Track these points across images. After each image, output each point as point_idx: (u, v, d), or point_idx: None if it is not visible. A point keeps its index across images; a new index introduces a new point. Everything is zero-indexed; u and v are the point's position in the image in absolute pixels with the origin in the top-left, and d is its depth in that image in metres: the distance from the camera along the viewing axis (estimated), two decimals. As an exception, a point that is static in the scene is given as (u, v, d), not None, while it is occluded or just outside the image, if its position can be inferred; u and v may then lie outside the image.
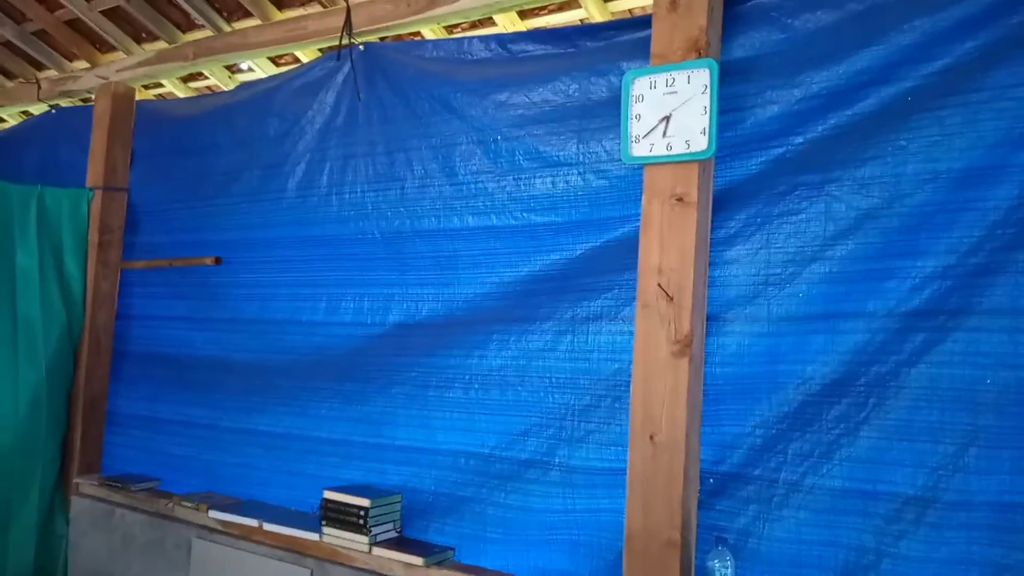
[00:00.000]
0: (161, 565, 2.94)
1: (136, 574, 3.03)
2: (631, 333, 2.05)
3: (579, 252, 2.24)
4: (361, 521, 2.38)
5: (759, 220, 2.00)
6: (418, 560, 2.28)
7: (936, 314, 1.79)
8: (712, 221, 2.02)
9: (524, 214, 2.36)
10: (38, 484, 3.25)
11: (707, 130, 1.91)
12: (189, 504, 2.86)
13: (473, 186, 2.48)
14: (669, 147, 1.96)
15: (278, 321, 2.90)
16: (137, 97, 3.58)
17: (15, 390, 3.18)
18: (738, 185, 2.03)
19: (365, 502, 2.37)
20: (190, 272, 3.19)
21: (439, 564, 2.29)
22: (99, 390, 3.40)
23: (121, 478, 3.20)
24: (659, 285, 1.97)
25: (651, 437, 1.96)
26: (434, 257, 2.54)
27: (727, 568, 1.92)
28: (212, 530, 2.79)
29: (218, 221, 3.13)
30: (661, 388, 1.96)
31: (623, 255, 2.11)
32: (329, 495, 2.46)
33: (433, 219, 2.55)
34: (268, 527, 2.60)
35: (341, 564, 2.45)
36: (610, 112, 2.18)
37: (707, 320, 2.02)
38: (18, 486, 3.19)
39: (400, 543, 2.40)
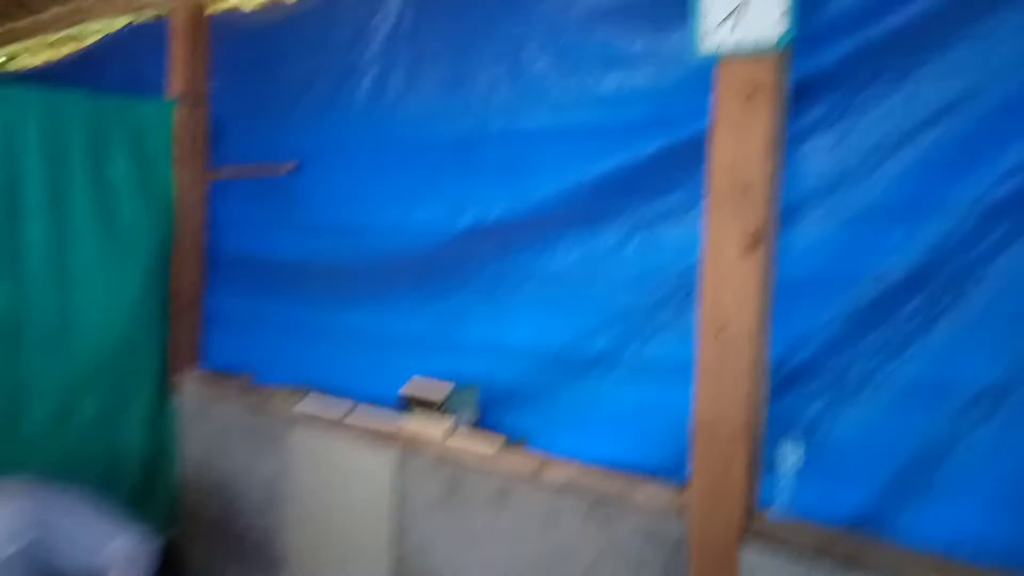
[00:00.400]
0: (259, 451, 3.21)
1: (238, 460, 3.33)
2: (701, 229, 2.06)
3: (649, 150, 2.24)
4: (440, 410, 2.53)
5: (838, 111, 1.95)
6: (493, 446, 2.43)
7: (1021, 206, 1.74)
8: (788, 113, 1.98)
9: (593, 112, 2.36)
10: (146, 380, 3.56)
11: (783, 18, 1.85)
12: (284, 394, 3.08)
13: (541, 85, 2.48)
14: (743, 38, 1.91)
15: (356, 225, 3.02)
16: (211, 10, 3.65)
17: (119, 295, 3.44)
18: (816, 75, 1.97)
19: (443, 392, 2.52)
20: (270, 178, 3.33)
21: (513, 450, 2.43)
22: (194, 292, 3.64)
23: (219, 372, 3.47)
24: (730, 180, 1.96)
25: (720, 331, 2.00)
26: (504, 159, 2.58)
27: (796, 457, 1.99)
28: (304, 418, 3.02)
29: (295, 129, 3.23)
30: (731, 283, 1.98)
31: (694, 151, 2.10)
32: (410, 386, 2.62)
33: (502, 120, 2.58)
34: (355, 415, 2.80)
35: (422, 449, 2.63)
36: (683, 3, 2.12)
37: (780, 215, 2.01)
38: (129, 382, 3.51)
39: (476, 430, 2.55)
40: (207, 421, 3.48)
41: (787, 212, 2.01)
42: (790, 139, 1.99)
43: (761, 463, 2.02)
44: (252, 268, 3.47)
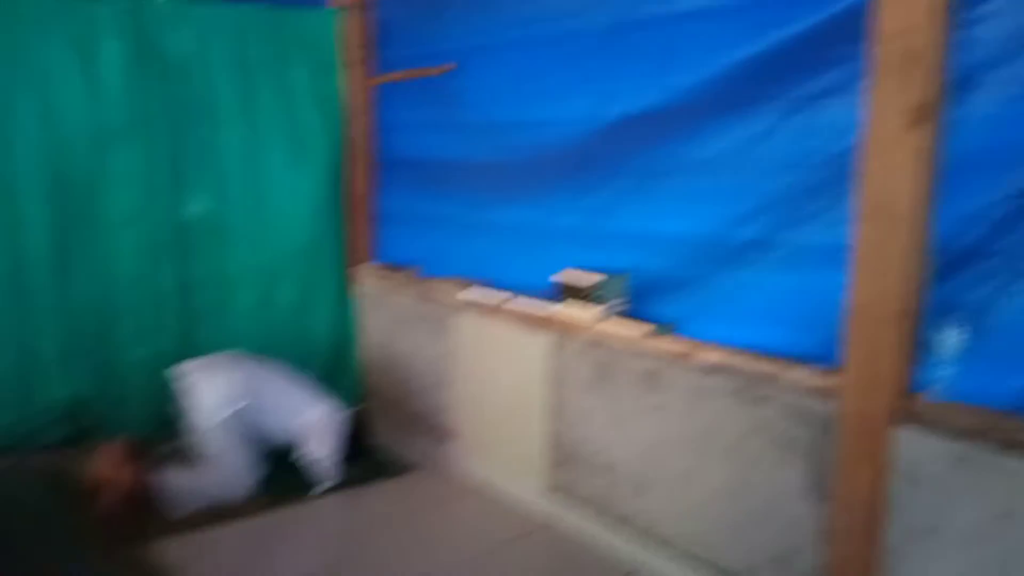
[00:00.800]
0: (430, 335, 3.52)
1: (410, 343, 3.67)
2: (861, 107, 1.98)
3: (804, 26, 2.14)
4: (593, 296, 2.66)
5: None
6: (643, 330, 2.53)
7: None
8: (962, -28, 1.83)
9: (746, -10, 2.28)
10: (330, 273, 3.96)
11: None
12: (449, 284, 3.34)
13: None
14: None
15: (510, 121, 3.13)
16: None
17: (304, 192, 3.82)
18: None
19: (595, 280, 2.64)
20: (432, 80, 3.49)
21: (663, 334, 2.52)
22: (366, 193, 3.95)
23: (391, 266, 3.80)
24: (896, 50, 1.86)
25: (880, 212, 1.94)
26: (652, 45, 2.55)
27: (957, 341, 1.93)
28: (467, 306, 3.26)
29: (453, 30, 3.35)
30: (894, 161, 1.91)
31: (852, 24, 1.99)
32: (564, 274, 2.76)
33: (652, 6, 2.54)
34: (513, 302, 2.99)
35: (576, 334, 2.78)
36: None
37: (950, 86, 1.88)
38: (315, 273, 3.92)
39: (626, 317, 2.66)
40: (383, 309, 3.85)
41: (957, 83, 1.88)
42: (962, 3, 1.84)
43: (918, 346, 1.98)
44: (417, 168, 3.71)
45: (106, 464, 2.90)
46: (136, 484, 2.86)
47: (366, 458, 3.46)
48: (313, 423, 3.22)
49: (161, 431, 3.45)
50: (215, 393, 3.05)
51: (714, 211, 2.47)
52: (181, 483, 2.93)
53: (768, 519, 2.28)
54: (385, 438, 3.71)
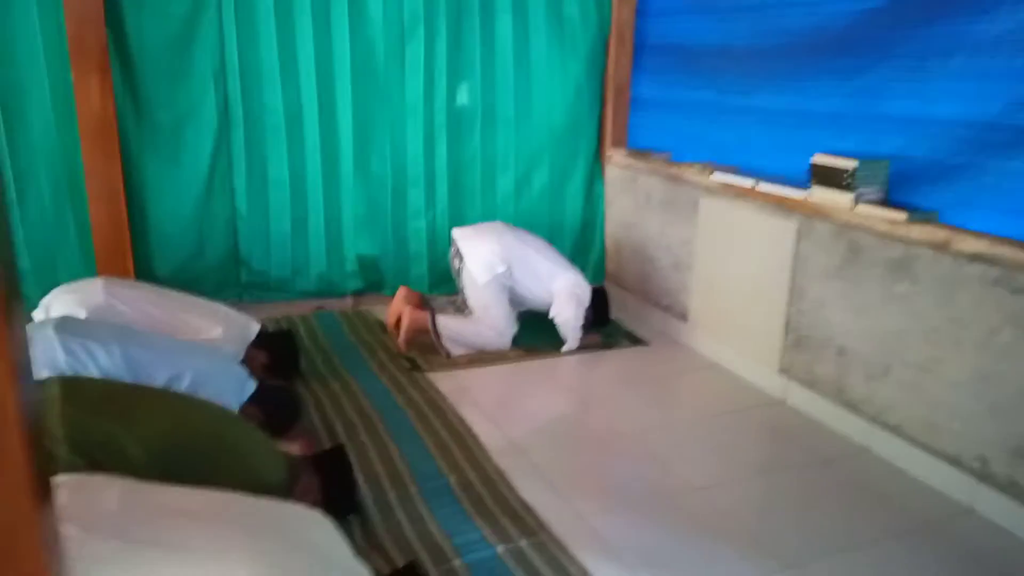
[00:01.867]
0: (674, 218, 3.69)
1: (655, 224, 3.86)
2: None
3: None
4: (847, 181, 2.65)
5: None
6: (901, 216, 2.50)
7: None
8: None
9: None
10: (583, 155, 4.24)
11: None
12: (697, 169, 3.46)
13: None
14: None
15: (774, 4, 3.09)
16: None
17: (564, 79, 4.08)
18: None
19: (852, 164, 2.62)
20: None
21: (922, 222, 2.47)
22: (624, 78, 4.12)
23: (643, 150, 3.97)
24: None
25: None
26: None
27: None
28: (714, 190, 3.37)
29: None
30: None
31: None
32: (818, 158, 2.76)
33: None
34: (762, 187, 3.05)
35: (824, 219, 2.80)
36: None
37: None
38: (570, 156, 4.22)
39: (884, 203, 2.62)
40: (630, 193, 4.06)
41: None
42: None
43: None
44: (675, 54, 3.79)
45: (402, 308, 3.50)
46: (423, 327, 3.42)
47: (606, 328, 3.78)
48: (562, 289, 3.57)
49: (437, 288, 4.04)
50: (480, 258, 3.49)
51: (997, 94, 2.33)
52: (456, 330, 3.45)
53: (1015, 411, 2.24)
54: (624, 314, 4.00)
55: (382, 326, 3.71)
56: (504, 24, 3.94)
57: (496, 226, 3.70)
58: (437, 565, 2.00)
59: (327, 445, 2.53)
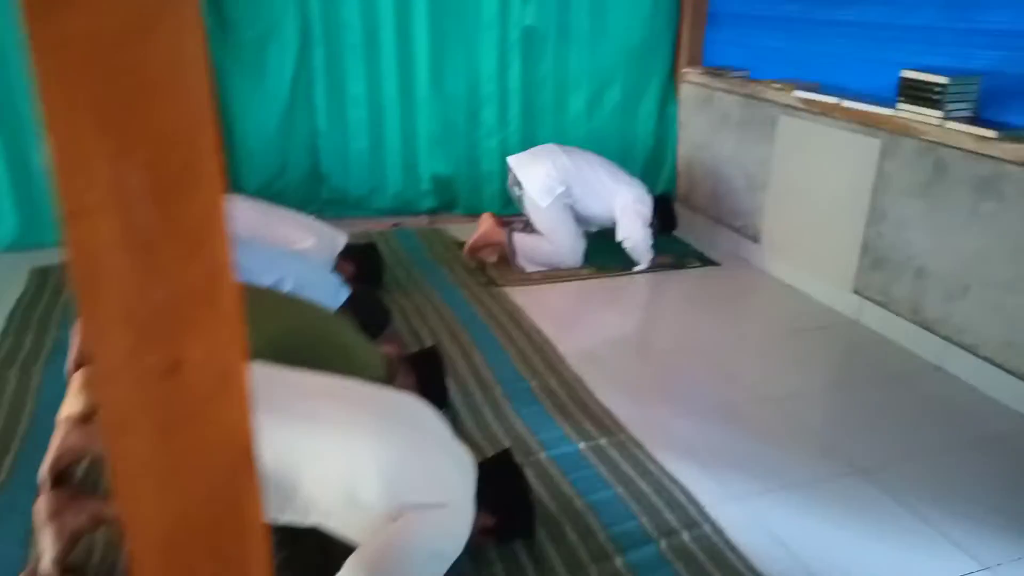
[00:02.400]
0: (750, 137, 3.66)
1: (730, 144, 3.84)
2: None
3: None
4: (936, 97, 2.60)
5: None
6: (991, 133, 2.45)
7: None
8: None
9: None
10: (657, 73, 4.20)
11: None
12: (777, 87, 3.41)
13: None
14: None
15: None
16: None
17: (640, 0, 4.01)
18: None
19: (942, 79, 2.57)
20: None
21: (1013, 140, 2.42)
22: (702, -7, 4.04)
23: (719, 68, 3.91)
24: None
25: None
26: None
27: None
28: (795, 108, 3.32)
29: None
30: None
31: None
32: (907, 73, 2.71)
33: None
34: (846, 103, 3.00)
35: (911, 136, 2.76)
36: None
37: None
38: (644, 75, 4.19)
39: (974, 121, 2.57)
40: (705, 112, 4.03)
41: None
42: None
43: None
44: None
45: (481, 226, 3.59)
46: (497, 240, 3.53)
47: (674, 246, 3.82)
48: (625, 207, 3.60)
49: (508, 208, 4.13)
50: (538, 182, 3.52)
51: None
52: (530, 247, 3.54)
53: (1100, 331, 2.24)
54: (694, 235, 4.03)
55: (459, 244, 3.82)
56: (580, -63, 3.88)
57: (550, 148, 3.72)
58: (524, 457, 2.15)
59: (413, 346, 2.69)
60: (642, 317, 3.30)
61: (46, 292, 3.15)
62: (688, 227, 4.04)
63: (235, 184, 3.78)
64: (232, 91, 3.69)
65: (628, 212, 3.58)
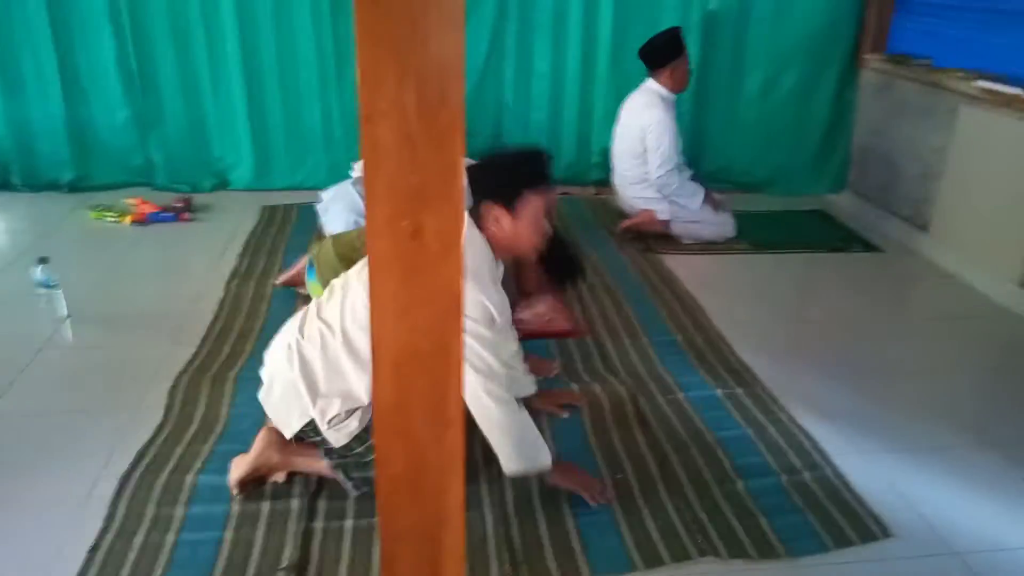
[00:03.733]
0: (928, 126, 3.62)
1: (906, 132, 3.81)
2: None
3: None
4: None
5: None
6: None
7: None
8: None
9: None
10: (837, 58, 4.21)
11: None
12: (959, 75, 3.36)
13: None
14: None
15: None
16: None
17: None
18: None
19: None
20: None
21: None
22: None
23: (901, 56, 3.88)
24: None
25: None
26: None
27: None
28: (977, 99, 3.27)
29: None
30: None
31: None
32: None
33: None
34: (1031, 94, 2.95)
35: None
36: None
37: None
38: (823, 59, 4.21)
39: None
40: (883, 98, 4.00)
41: None
42: None
43: None
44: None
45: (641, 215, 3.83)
46: (652, 218, 3.75)
47: (838, 232, 3.86)
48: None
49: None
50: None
51: None
52: (684, 218, 3.73)
53: None
54: (861, 221, 4.03)
55: (621, 214, 4.07)
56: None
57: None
58: (663, 395, 2.41)
59: (573, 296, 3.02)
60: (793, 292, 3.40)
61: (274, 225, 3.78)
62: (855, 215, 4.05)
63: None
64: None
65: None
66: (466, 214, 1.84)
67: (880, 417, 2.35)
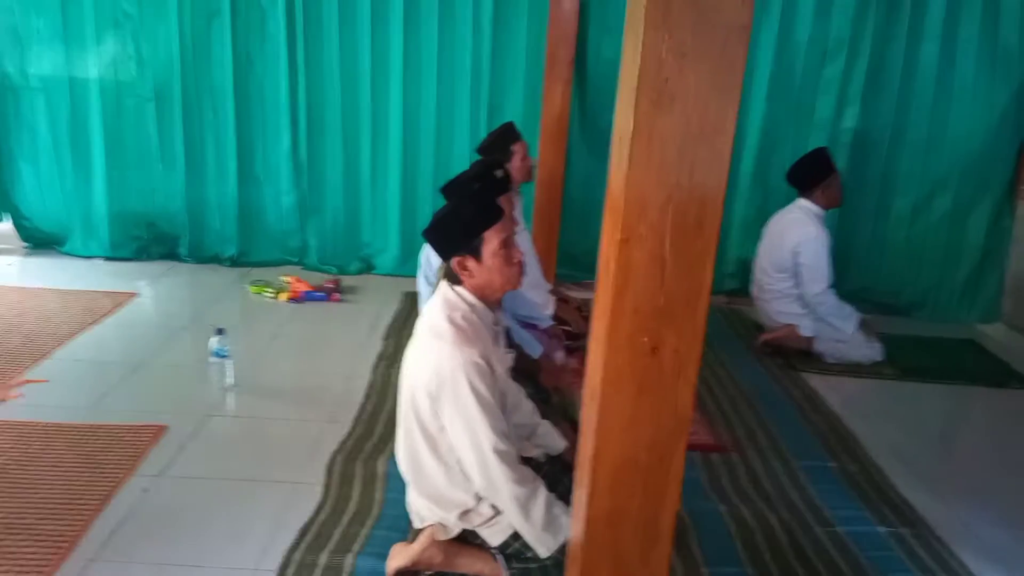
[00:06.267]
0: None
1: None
2: None
3: None
4: None
5: None
6: None
7: None
8: None
9: None
10: (995, 185, 4.10)
11: None
12: None
13: None
14: None
15: None
16: None
17: (987, 110, 3.99)
18: None
19: None
20: None
21: None
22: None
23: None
24: None
25: None
26: None
27: None
28: None
29: None
30: None
31: None
32: None
33: None
34: None
35: None
36: None
37: None
38: (979, 185, 4.12)
39: None
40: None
41: None
42: None
43: None
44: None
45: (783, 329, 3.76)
46: (793, 335, 3.66)
47: (994, 365, 3.66)
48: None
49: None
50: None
51: None
52: (831, 338, 3.63)
53: None
54: (1017, 354, 3.81)
55: (757, 326, 4.00)
56: (930, 50, 3.99)
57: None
58: (821, 526, 2.29)
59: (712, 409, 2.96)
60: (951, 426, 3.22)
61: (416, 309, 3.93)
62: (1011, 347, 3.84)
63: (563, 245, 4.35)
64: (579, 168, 4.33)
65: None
66: (442, 282, 1.90)
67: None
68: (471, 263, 1.83)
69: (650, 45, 0.95)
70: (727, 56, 0.97)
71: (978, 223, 4.15)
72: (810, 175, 3.58)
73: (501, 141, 3.27)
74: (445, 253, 1.87)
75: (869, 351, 3.61)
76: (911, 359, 3.64)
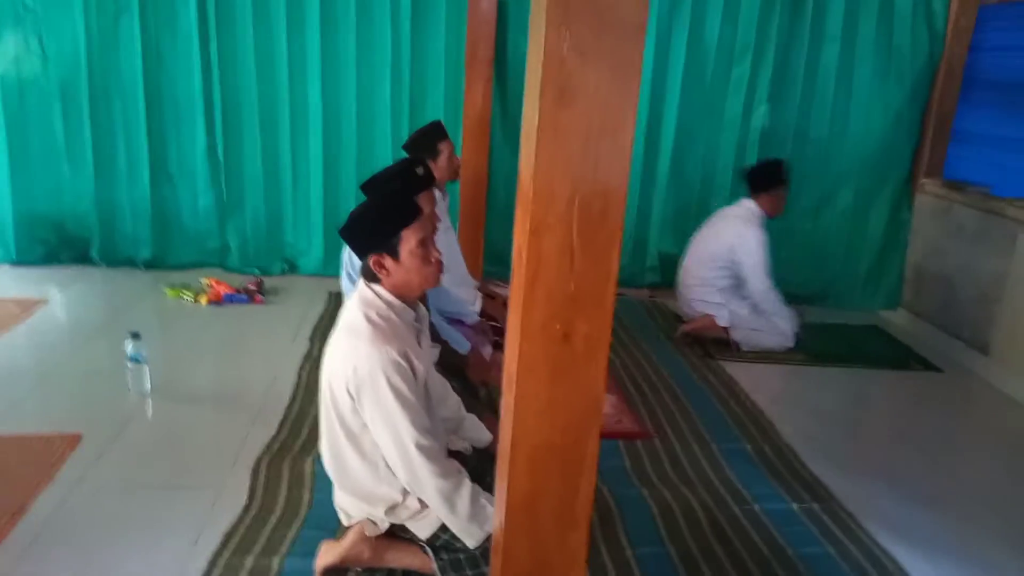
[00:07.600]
0: (986, 251, 3.69)
1: (962, 256, 3.88)
2: None
3: None
4: None
5: None
6: None
7: None
8: None
9: None
10: (893, 181, 4.35)
11: None
12: (1019, 205, 3.46)
13: None
14: None
15: None
16: None
17: (883, 110, 4.24)
18: None
19: None
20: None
21: None
22: (948, 110, 4.17)
23: (958, 182, 4.00)
24: None
25: None
26: None
27: None
28: (1037, 227, 3.36)
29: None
30: None
31: None
32: None
33: None
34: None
35: None
36: None
37: None
38: (878, 181, 4.36)
39: None
40: (939, 222, 4.10)
41: None
42: None
43: None
44: (1008, 91, 3.78)
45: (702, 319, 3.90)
46: (714, 336, 3.81)
47: (895, 349, 3.89)
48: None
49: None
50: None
51: None
52: (746, 327, 3.79)
53: None
54: (916, 340, 4.05)
55: (677, 317, 4.14)
56: (831, 52, 4.20)
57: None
58: (739, 505, 2.40)
59: (636, 398, 3.06)
60: (857, 407, 3.40)
61: (339, 310, 3.90)
62: (912, 331, 4.07)
63: (491, 240, 4.38)
64: (504, 165, 4.37)
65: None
66: (359, 280, 1.89)
67: (961, 544, 2.32)
68: (388, 262, 1.82)
69: (552, 43, 1.00)
70: (625, 54, 1.02)
71: (879, 215, 4.39)
72: (764, 180, 3.75)
73: (428, 139, 3.26)
74: (362, 252, 1.86)
75: (782, 338, 3.78)
76: (819, 345, 3.84)
